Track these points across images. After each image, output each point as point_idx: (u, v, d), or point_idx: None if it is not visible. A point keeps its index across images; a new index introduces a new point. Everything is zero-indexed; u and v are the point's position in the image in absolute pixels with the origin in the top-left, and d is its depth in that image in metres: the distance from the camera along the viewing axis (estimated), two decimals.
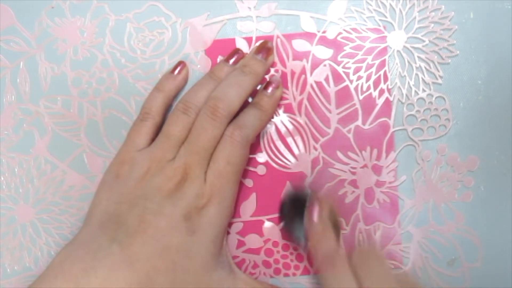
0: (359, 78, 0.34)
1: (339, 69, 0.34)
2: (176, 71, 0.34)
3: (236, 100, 0.31)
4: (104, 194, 0.31)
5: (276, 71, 0.35)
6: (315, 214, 0.31)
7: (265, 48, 0.34)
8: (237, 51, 0.34)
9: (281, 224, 0.34)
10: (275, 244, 0.35)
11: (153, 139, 0.32)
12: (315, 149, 0.34)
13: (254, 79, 0.32)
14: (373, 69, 0.34)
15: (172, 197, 0.29)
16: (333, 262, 0.29)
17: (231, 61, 0.34)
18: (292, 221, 0.33)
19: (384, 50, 0.34)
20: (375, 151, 0.34)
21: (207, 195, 0.30)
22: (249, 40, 0.35)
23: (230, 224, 0.35)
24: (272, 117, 0.34)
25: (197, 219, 0.29)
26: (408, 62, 0.34)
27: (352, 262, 0.29)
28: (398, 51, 0.34)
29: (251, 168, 0.35)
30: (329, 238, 0.31)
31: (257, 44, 0.34)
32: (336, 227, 0.32)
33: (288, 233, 0.34)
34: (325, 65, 0.34)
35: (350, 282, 0.28)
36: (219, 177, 0.30)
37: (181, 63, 0.34)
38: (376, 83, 0.34)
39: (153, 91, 0.34)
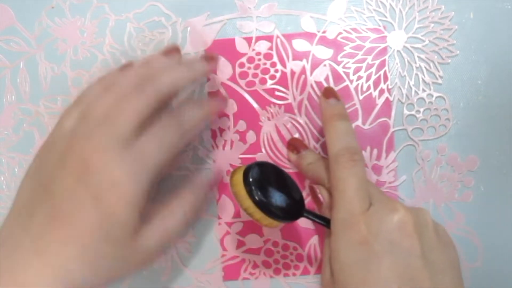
0: (359, 78, 0.34)
1: (339, 69, 0.34)
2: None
3: (168, 82, 0.29)
4: (24, 181, 0.30)
5: (276, 71, 0.35)
6: (332, 96, 0.32)
7: (210, 56, 0.34)
8: (175, 48, 0.33)
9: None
10: (275, 244, 0.35)
11: None
12: (315, 149, 0.34)
13: (191, 72, 0.31)
14: (373, 69, 0.34)
15: (81, 178, 0.27)
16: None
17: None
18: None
19: (384, 50, 0.34)
20: (375, 151, 0.34)
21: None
22: (249, 40, 0.35)
23: (230, 224, 0.35)
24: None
25: (108, 199, 0.27)
26: (408, 62, 0.34)
27: None
28: (398, 51, 0.34)
29: None
30: (348, 119, 0.31)
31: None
32: None
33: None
34: (325, 65, 0.34)
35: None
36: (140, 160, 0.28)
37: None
38: (376, 83, 0.34)
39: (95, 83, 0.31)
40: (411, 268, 0.26)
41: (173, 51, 0.33)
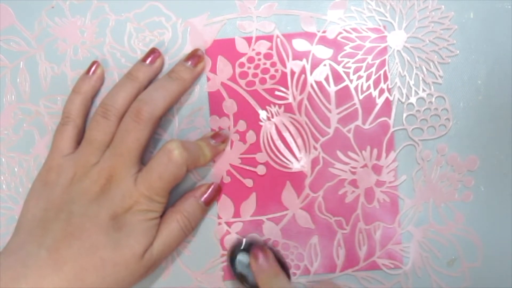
0: (359, 77, 0.34)
1: (339, 68, 0.34)
2: (91, 71, 0.34)
3: (161, 103, 0.31)
4: (32, 201, 0.31)
5: (276, 71, 0.35)
6: (261, 255, 0.32)
7: (195, 55, 0.34)
8: (153, 50, 0.34)
9: (233, 272, 0.34)
10: (275, 244, 0.35)
11: (78, 142, 0.33)
12: (315, 149, 0.34)
13: (181, 85, 0.33)
14: (373, 69, 0.34)
15: (98, 199, 0.30)
16: None
17: (148, 60, 0.34)
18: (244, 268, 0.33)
19: (384, 50, 0.34)
20: (375, 151, 0.34)
21: (135, 198, 0.30)
22: (249, 40, 0.35)
23: (230, 224, 0.35)
24: (220, 152, 0.34)
25: (124, 216, 0.30)
26: (408, 62, 0.34)
27: None
28: (398, 50, 0.34)
29: (251, 168, 0.35)
30: (280, 275, 0.32)
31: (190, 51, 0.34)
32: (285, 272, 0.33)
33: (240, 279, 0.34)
34: (325, 65, 0.34)
35: None
36: (148, 188, 0.30)
37: (94, 63, 0.35)
38: (376, 83, 0.34)
39: (71, 94, 0.34)
40: None
41: (154, 57, 0.34)
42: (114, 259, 0.29)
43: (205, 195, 0.34)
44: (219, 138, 0.34)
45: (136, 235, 0.30)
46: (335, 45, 0.34)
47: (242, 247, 0.34)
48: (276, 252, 0.34)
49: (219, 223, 0.35)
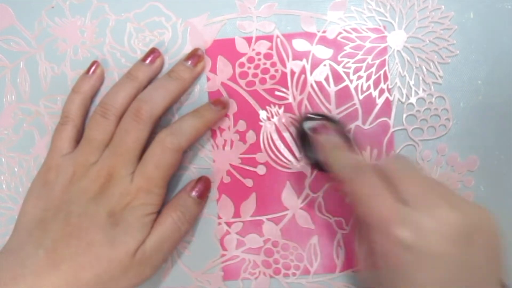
0: (359, 78, 0.34)
1: (339, 69, 0.34)
2: (91, 71, 0.34)
3: (161, 102, 0.32)
4: (31, 201, 0.31)
5: (276, 71, 0.35)
6: (322, 128, 0.32)
7: (195, 55, 0.34)
8: (153, 50, 0.34)
9: (301, 152, 0.34)
10: (275, 244, 0.35)
11: (77, 142, 0.33)
12: None
13: (181, 84, 0.33)
14: (373, 69, 0.34)
15: (96, 198, 0.30)
16: (360, 168, 0.28)
17: (148, 60, 0.34)
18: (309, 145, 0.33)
19: (384, 50, 0.34)
20: (375, 151, 0.34)
21: (132, 194, 0.30)
22: (249, 39, 0.35)
23: (230, 224, 0.35)
24: (211, 126, 0.34)
25: (121, 213, 0.30)
26: (408, 62, 0.34)
27: (381, 168, 0.28)
28: (398, 51, 0.34)
29: (251, 168, 0.35)
30: (342, 146, 0.31)
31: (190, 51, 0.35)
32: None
33: (308, 158, 0.33)
34: (325, 65, 0.34)
35: (380, 185, 0.26)
36: (146, 180, 0.30)
37: (94, 63, 0.35)
38: (376, 83, 0.34)
39: (71, 93, 0.34)
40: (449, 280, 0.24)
41: (154, 57, 0.34)
42: (109, 256, 0.29)
43: (196, 188, 0.33)
44: (219, 104, 0.34)
45: (132, 231, 0.30)
46: (335, 45, 0.34)
47: (304, 123, 0.33)
48: (341, 126, 0.33)
49: (219, 223, 0.35)
